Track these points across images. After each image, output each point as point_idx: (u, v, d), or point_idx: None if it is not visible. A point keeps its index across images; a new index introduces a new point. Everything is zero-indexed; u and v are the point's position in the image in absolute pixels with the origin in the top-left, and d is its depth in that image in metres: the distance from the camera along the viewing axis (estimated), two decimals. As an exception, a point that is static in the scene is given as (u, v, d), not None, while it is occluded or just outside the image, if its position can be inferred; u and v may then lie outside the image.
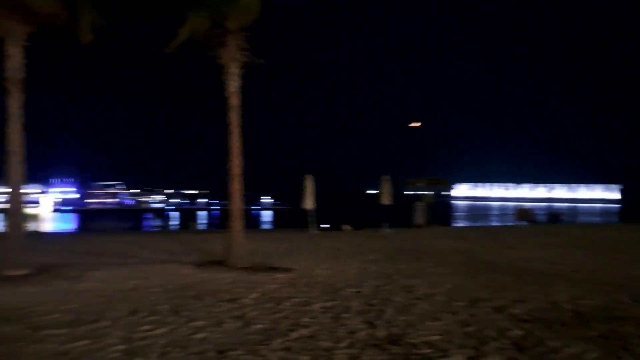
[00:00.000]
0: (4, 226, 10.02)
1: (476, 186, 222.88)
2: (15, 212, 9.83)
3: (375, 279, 9.58)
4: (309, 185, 22.92)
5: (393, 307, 7.01)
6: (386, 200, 23.94)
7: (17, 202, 9.85)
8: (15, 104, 9.52)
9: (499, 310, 6.85)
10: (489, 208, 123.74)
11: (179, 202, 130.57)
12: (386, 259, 12.68)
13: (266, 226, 60.01)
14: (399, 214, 30.49)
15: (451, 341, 5.34)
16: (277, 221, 69.83)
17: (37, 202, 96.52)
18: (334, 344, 5.25)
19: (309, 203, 22.79)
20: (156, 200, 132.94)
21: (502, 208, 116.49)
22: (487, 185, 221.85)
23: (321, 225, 26.23)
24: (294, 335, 5.55)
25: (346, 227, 26.04)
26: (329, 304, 7.24)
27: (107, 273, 10.04)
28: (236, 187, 11.18)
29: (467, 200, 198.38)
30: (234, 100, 11.13)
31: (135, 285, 8.73)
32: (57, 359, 4.68)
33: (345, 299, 7.57)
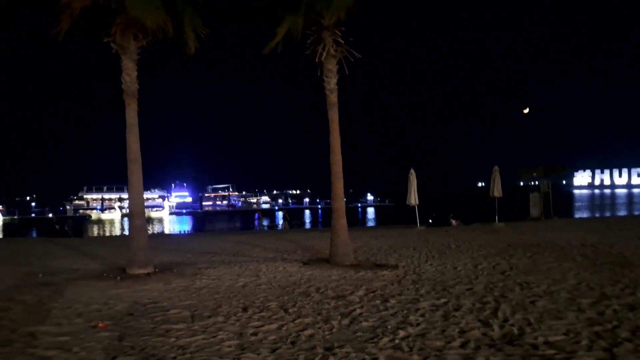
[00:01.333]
0: (129, 229, 11.04)
1: (600, 173, 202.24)
2: (138, 215, 10.77)
3: (488, 275, 9.13)
4: (413, 181, 22.49)
5: (509, 305, 6.62)
6: (497, 192, 22.76)
7: (139, 205, 10.78)
8: (132, 114, 10.44)
9: (632, 307, 6.17)
10: (614, 197, 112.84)
11: (283, 202, 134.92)
12: (499, 254, 12.04)
13: (370, 223, 60.01)
14: (512, 207, 28.82)
15: (578, 342, 4.90)
16: (380, 218, 69.55)
17: (160, 206, 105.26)
18: (446, 343, 5.07)
19: (413, 199, 22.37)
20: (263, 201, 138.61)
21: (630, 197, 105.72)
22: (612, 171, 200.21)
23: (428, 221, 25.65)
24: (403, 333, 5.45)
25: (454, 222, 25.18)
26: (438, 301, 7.02)
27: (221, 271, 10.63)
28: (338, 185, 11.28)
29: (589, 189, 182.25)
30: (333, 98, 11.23)
31: (246, 282, 9.15)
32: (177, 353, 5.02)
33: (456, 297, 7.29)
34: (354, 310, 6.67)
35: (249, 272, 10.34)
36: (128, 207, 10.66)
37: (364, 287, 8.26)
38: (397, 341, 5.17)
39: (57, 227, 34.51)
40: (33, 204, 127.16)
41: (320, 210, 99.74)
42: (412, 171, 22.50)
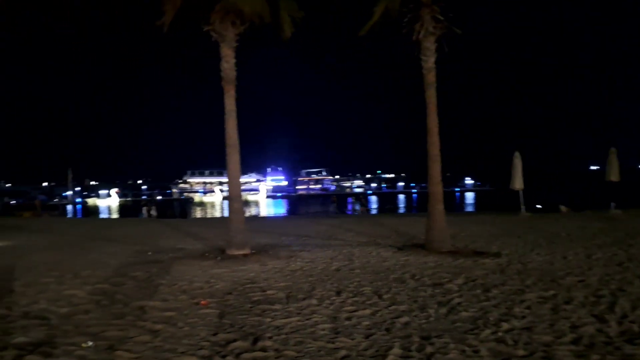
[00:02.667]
0: (228, 211, 11.57)
1: None
2: (236, 198, 11.25)
3: (603, 266, 8.42)
4: (518, 164, 21.31)
5: (628, 300, 6.04)
6: (614, 176, 20.90)
7: (237, 189, 11.25)
8: (230, 101, 10.85)
9: None
10: None
11: (377, 186, 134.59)
12: (615, 243, 11.06)
13: (469, 209, 57.97)
14: (632, 192, 26.38)
15: None
16: (480, 203, 66.89)
17: (256, 190, 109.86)
18: (555, 338, 4.73)
19: (518, 183, 21.21)
20: (356, 185, 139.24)
21: None
22: None
23: (534, 207, 24.23)
24: (506, 326, 5.18)
25: (564, 208, 23.56)
26: (546, 293, 6.59)
27: (315, 254, 10.82)
28: (435, 168, 10.95)
29: None
30: (431, 77, 10.88)
31: (340, 266, 9.22)
32: (273, 333, 5.18)
33: (567, 289, 6.80)
34: (452, 299, 6.46)
35: (342, 256, 10.41)
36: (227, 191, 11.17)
37: (463, 275, 7.97)
38: (500, 334, 4.92)
39: (145, 208, 37.18)
40: (144, 187, 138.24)
41: (415, 195, 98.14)
42: (517, 154, 21.32)
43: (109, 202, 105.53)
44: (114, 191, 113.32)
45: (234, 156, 10.88)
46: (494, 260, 9.45)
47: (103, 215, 63.34)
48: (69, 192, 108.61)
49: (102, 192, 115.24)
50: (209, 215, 56.22)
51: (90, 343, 4.99)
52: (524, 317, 5.50)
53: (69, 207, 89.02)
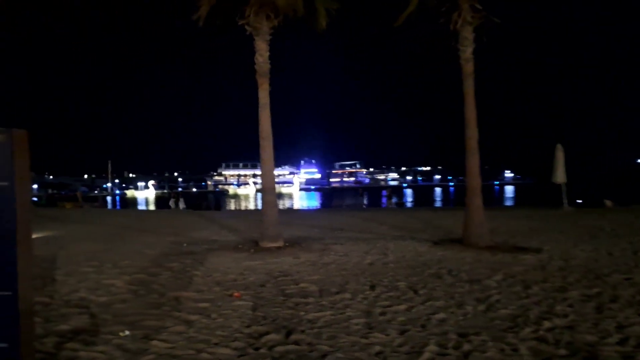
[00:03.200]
0: (261, 204, 11.65)
1: None
2: (270, 191, 11.31)
3: (653, 265, 8.07)
4: (560, 156, 20.68)
5: (681, 301, 5.77)
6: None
7: (270, 182, 11.31)
8: (264, 94, 10.89)
9: None
10: None
11: (412, 179, 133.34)
12: (667, 241, 10.59)
13: (508, 203, 56.76)
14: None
15: None
16: (520, 197, 65.37)
17: (290, 182, 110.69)
18: (599, 338, 4.56)
19: (560, 176, 20.59)
20: (391, 177, 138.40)
21: None
22: None
23: (576, 201, 23.51)
24: (547, 324, 5.01)
25: (609, 202, 22.76)
26: (590, 291, 6.36)
27: (348, 247, 10.78)
28: (473, 161, 10.72)
29: None
30: (469, 68, 10.64)
31: (374, 260, 9.15)
32: (306, 327, 5.18)
33: (612, 287, 6.54)
34: (491, 295, 6.31)
35: (376, 250, 10.33)
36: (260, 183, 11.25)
37: (502, 272, 7.79)
38: (541, 332, 4.77)
39: (173, 200, 38.38)
40: (180, 179, 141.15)
41: (452, 188, 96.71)
42: (559, 146, 20.69)
43: (146, 194, 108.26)
44: (151, 183, 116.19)
45: (267, 148, 10.93)
46: (534, 256, 9.20)
47: (140, 207, 64.98)
48: (109, 184, 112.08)
49: (140, 184, 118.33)
50: (242, 208, 56.92)
51: (126, 332, 5.11)
52: (566, 315, 5.32)
53: (109, 199, 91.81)
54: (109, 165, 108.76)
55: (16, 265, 2.30)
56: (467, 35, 10.57)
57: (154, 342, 4.78)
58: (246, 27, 10.85)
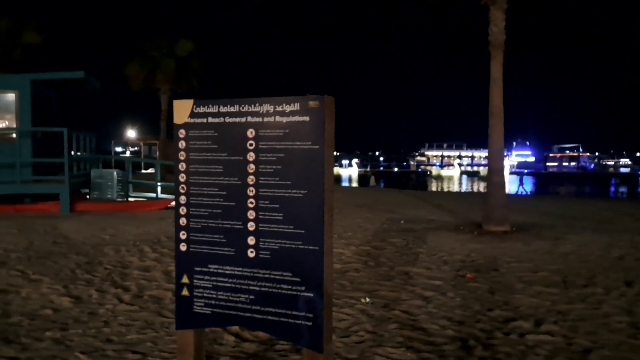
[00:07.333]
0: (485, 186, 11.27)
1: None
2: (498, 172, 10.87)
3: None
4: None
5: None
6: None
7: (499, 162, 10.86)
8: (497, 67, 10.41)
9: None
10: None
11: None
12: None
13: None
14: None
15: None
16: None
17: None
18: None
19: None
20: (622, 164, 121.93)
21: None
22: None
23: None
24: None
25: None
26: None
27: (585, 238, 9.80)
28: None
29: None
30: None
31: (623, 254, 8.16)
32: (557, 317, 4.88)
33: None
34: None
35: (624, 243, 9.19)
36: (487, 164, 10.86)
37: None
38: None
39: (373, 178, 40.11)
40: (381, 158, 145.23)
41: None
42: None
43: (350, 171, 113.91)
44: (354, 162, 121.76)
45: (497, 126, 10.47)
46: None
47: (344, 184, 68.71)
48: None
49: (344, 162, 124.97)
50: (446, 189, 56.05)
51: (368, 299, 5.47)
52: None
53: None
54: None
55: (323, 223, 2.58)
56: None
57: (396, 312, 5.03)
58: None
